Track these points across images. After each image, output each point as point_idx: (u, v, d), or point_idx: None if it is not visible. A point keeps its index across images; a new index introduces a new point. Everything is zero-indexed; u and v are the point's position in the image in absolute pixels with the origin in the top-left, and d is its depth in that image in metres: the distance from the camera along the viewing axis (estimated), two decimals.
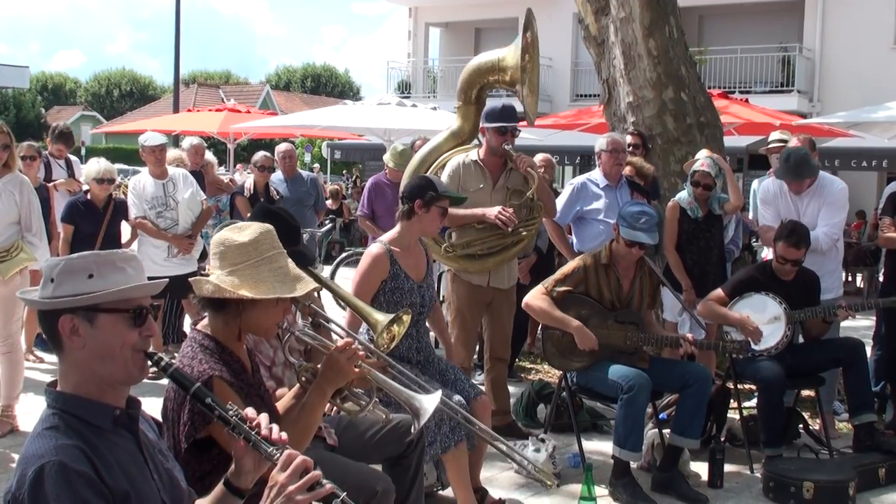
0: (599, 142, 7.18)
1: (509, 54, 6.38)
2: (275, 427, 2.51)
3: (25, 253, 6.32)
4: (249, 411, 2.51)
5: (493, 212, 6.10)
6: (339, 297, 4.09)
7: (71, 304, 2.35)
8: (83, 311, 2.36)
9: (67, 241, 8.11)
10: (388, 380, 3.49)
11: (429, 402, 3.46)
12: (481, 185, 6.27)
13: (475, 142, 6.61)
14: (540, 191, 6.35)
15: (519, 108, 6.40)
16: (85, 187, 8.56)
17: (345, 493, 2.39)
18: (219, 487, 2.64)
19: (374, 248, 5.05)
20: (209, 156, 10.41)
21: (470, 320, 6.37)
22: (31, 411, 6.50)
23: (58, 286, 2.37)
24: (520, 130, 6.38)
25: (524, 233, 6.33)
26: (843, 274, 7.30)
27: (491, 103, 6.35)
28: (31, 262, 6.35)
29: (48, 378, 7.61)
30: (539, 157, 7.44)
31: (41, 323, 2.44)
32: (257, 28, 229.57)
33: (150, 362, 2.47)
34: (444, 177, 6.20)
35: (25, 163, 8.00)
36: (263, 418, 2.51)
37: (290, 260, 3.23)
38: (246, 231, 3.19)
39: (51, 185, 8.92)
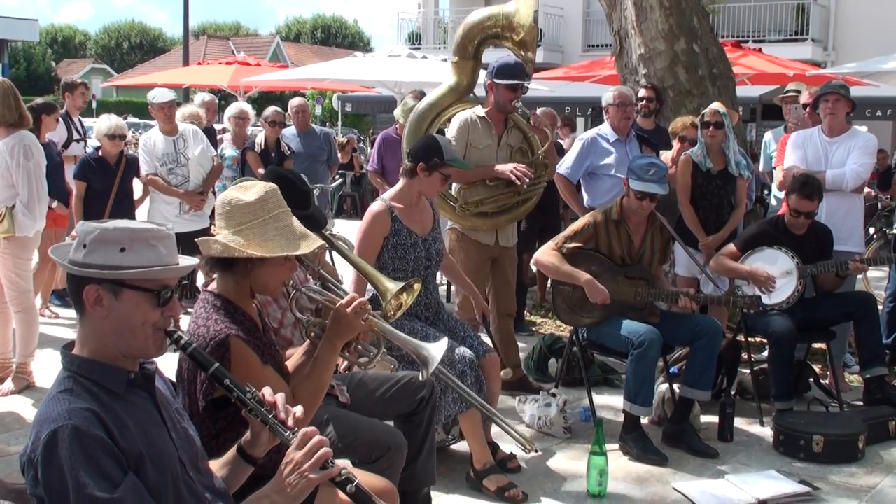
0: (606, 96, 7.12)
1: (521, 12, 6.30)
2: (291, 409, 2.54)
3: (4, 223, 6.20)
4: (266, 392, 2.55)
5: (507, 168, 6.11)
6: (349, 261, 4.10)
7: (98, 275, 2.36)
8: (109, 283, 2.37)
9: (80, 197, 8.11)
10: (395, 330, 3.52)
11: (436, 349, 3.50)
12: (489, 142, 6.24)
13: (471, 96, 6.58)
14: (549, 150, 6.42)
15: None
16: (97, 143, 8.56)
17: (358, 480, 2.44)
18: (231, 453, 2.69)
19: (374, 206, 5.06)
20: (246, 108, 10.16)
21: (478, 279, 6.37)
22: (46, 367, 6.56)
23: (89, 253, 2.38)
24: (528, 87, 6.34)
25: (531, 192, 6.35)
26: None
27: (502, 59, 6.20)
28: (5, 234, 6.22)
29: (64, 333, 7.66)
30: (540, 111, 7.38)
31: (69, 284, 2.45)
32: None
33: (169, 340, 2.49)
34: (453, 132, 6.17)
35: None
36: (280, 399, 2.54)
37: (294, 218, 3.24)
38: (251, 190, 3.19)
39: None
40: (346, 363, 4.37)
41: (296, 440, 2.43)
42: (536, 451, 5.19)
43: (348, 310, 3.20)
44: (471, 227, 6.30)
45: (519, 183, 6.07)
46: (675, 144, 7.18)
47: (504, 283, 6.56)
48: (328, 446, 2.43)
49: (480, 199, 6.21)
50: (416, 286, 3.85)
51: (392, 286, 3.78)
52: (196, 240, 3.19)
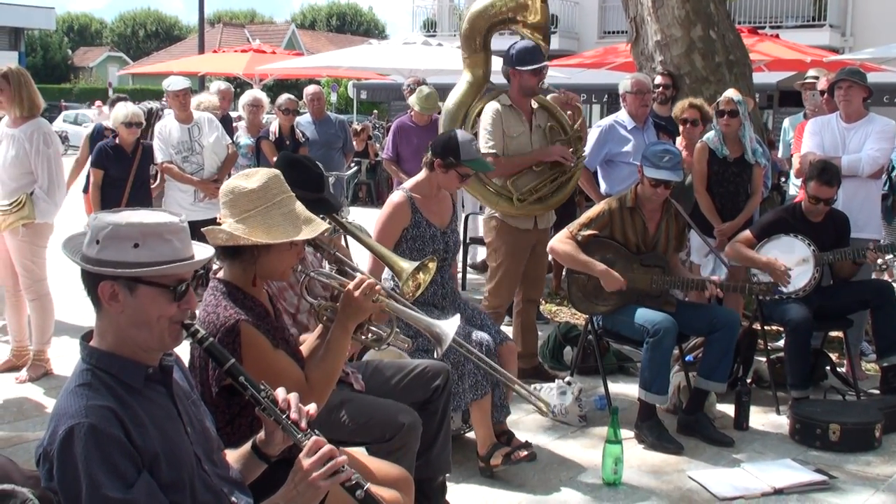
0: (624, 83, 7.10)
1: None
2: (304, 409, 2.53)
3: (25, 210, 6.20)
4: (280, 392, 2.54)
5: (552, 151, 6.24)
6: (363, 244, 4.09)
7: (112, 273, 2.34)
8: (124, 280, 2.35)
9: (97, 185, 8.12)
10: (406, 309, 3.51)
11: (449, 326, 3.48)
12: (522, 129, 6.29)
13: (487, 86, 6.64)
14: (582, 124, 6.57)
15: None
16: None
17: (368, 485, 2.43)
18: (246, 449, 2.69)
19: (395, 196, 5.06)
20: (260, 95, 10.18)
21: (517, 266, 6.40)
22: (63, 354, 6.60)
23: (102, 249, 2.35)
24: (548, 67, 6.40)
25: (575, 168, 6.45)
26: None
27: (518, 46, 6.26)
28: (26, 220, 6.22)
29: (82, 321, 7.67)
30: (551, 97, 7.37)
31: (83, 279, 2.43)
32: None
33: (186, 333, 2.48)
34: (486, 124, 6.20)
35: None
36: (293, 399, 2.53)
37: (299, 203, 3.24)
38: (254, 178, 3.19)
39: None
40: (357, 349, 4.40)
41: (306, 447, 2.41)
42: (553, 415, 5.20)
43: (356, 292, 3.21)
44: (528, 215, 6.34)
45: (571, 164, 6.28)
46: (682, 129, 7.15)
47: (539, 269, 6.66)
48: (339, 455, 2.41)
49: (534, 187, 6.27)
50: (431, 265, 3.84)
51: (407, 266, 3.77)
52: (203, 229, 3.19)
